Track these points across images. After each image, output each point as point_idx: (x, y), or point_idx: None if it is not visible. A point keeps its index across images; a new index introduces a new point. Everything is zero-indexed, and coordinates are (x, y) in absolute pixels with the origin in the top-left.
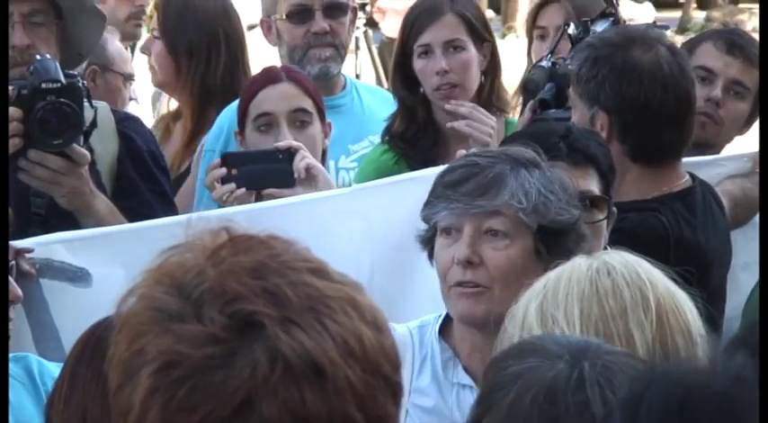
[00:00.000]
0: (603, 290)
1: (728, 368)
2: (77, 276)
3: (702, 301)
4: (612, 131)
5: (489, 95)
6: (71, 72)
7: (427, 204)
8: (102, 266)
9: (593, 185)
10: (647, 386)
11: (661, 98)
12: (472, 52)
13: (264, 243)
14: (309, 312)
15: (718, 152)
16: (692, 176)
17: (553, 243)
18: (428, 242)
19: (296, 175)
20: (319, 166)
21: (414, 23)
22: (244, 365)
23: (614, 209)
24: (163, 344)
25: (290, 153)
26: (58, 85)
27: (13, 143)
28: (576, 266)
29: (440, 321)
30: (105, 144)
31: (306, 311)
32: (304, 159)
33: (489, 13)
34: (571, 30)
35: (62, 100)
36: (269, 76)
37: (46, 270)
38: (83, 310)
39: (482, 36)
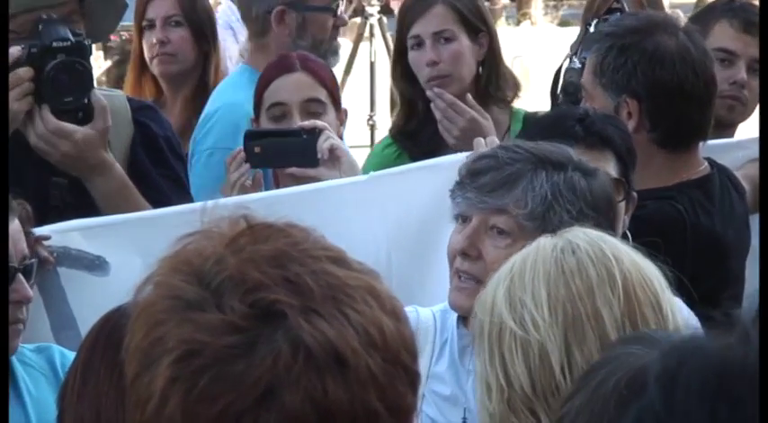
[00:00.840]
0: (569, 270)
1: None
2: (95, 265)
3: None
4: (642, 119)
5: (486, 86)
6: (77, 31)
7: (454, 186)
8: (119, 254)
9: (610, 168)
10: (680, 360)
11: (692, 81)
12: (463, 43)
13: (283, 231)
14: (330, 301)
15: (735, 132)
16: (711, 163)
17: None
18: (456, 219)
19: (319, 156)
20: (344, 147)
21: (406, 15)
22: (265, 355)
23: (634, 193)
24: (183, 333)
25: (315, 133)
26: (68, 43)
27: (27, 102)
28: (541, 247)
29: None
30: (119, 132)
31: (327, 301)
32: (328, 140)
33: (504, 0)
34: (592, 28)
35: (73, 58)
36: (283, 65)
37: (63, 258)
38: (100, 299)
39: (476, 26)
